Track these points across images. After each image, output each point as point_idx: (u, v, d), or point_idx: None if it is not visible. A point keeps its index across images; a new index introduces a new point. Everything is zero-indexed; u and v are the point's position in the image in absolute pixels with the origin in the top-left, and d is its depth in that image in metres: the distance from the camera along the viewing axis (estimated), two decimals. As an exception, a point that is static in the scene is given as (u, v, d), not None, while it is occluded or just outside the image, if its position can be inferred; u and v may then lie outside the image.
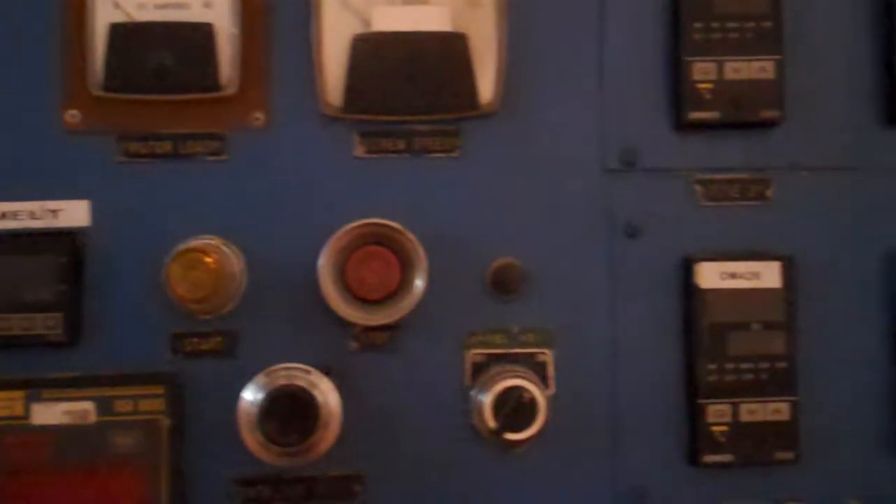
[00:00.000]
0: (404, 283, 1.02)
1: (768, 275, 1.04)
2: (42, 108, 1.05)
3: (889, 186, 1.07)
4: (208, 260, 0.99)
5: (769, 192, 1.07)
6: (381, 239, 1.02)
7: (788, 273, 1.04)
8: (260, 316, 1.05)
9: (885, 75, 1.07)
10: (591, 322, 1.06)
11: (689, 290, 1.05)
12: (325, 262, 1.00)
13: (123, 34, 1.04)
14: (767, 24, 1.04)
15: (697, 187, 1.07)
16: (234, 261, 1.03)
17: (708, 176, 1.07)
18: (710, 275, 1.04)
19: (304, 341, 1.04)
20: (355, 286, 1.01)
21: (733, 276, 1.04)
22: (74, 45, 1.05)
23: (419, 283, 1.00)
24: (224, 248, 1.02)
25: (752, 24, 1.04)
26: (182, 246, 1.00)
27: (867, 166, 1.08)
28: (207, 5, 1.05)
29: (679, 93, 1.05)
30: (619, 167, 1.07)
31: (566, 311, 1.06)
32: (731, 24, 1.04)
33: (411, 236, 1.00)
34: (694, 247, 1.06)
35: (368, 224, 1.00)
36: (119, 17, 1.04)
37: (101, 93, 1.04)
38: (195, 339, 1.05)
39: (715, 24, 1.04)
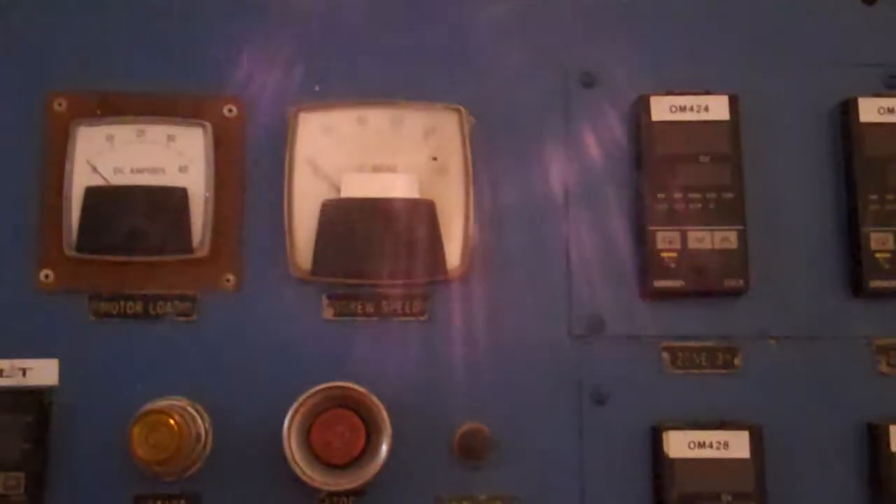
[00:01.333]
0: (370, 448, 1.01)
1: (737, 444, 1.03)
2: (16, 268, 1.07)
3: (855, 356, 1.07)
4: (171, 422, 0.98)
5: (737, 361, 1.07)
6: (347, 402, 1.01)
7: (757, 443, 1.03)
8: (224, 478, 1.04)
9: (849, 246, 1.08)
10: (560, 490, 1.05)
11: (658, 459, 1.03)
12: (289, 426, 0.99)
13: (99, 197, 1.06)
14: (729, 195, 1.06)
15: (665, 354, 1.07)
16: (199, 422, 1.02)
17: (675, 343, 1.07)
18: (678, 444, 1.03)
19: (268, 506, 1.03)
20: (320, 450, 1.00)
21: (702, 445, 1.03)
22: (50, 207, 1.07)
23: (384, 448, 1.00)
24: (189, 409, 1.02)
25: (713, 195, 1.06)
26: (146, 407, 1.00)
27: (834, 336, 1.07)
28: (183, 170, 1.08)
29: (644, 261, 1.06)
30: (586, 334, 1.07)
31: (534, 479, 1.05)
32: (693, 195, 1.06)
33: (376, 400, 1.00)
34: (662, 415, 1.06)
35: (333, 387, 1.00)
36: (96, 181, 1.07)
37: (74, 254, 1.06)
38: (158, 502, 1.04)
39: (678, 195, 1.06)
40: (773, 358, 1.07)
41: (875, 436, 1.05)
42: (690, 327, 1.08)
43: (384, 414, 1.00)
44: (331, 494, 1.03)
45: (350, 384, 1.00)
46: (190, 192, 1.07)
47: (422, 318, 1.07)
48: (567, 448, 1.05)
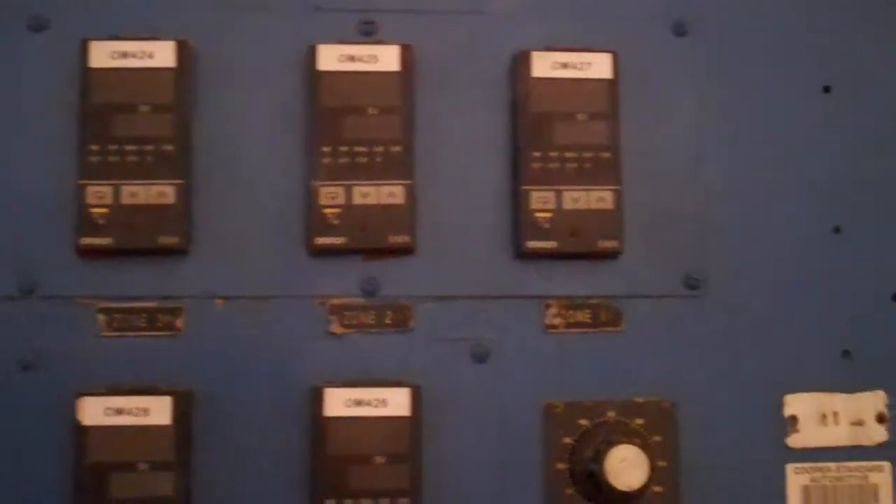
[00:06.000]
0: None
1: (158, 411, 0.98)
2: None
3: (308, 317, 1.03)
4: None
5: (179, 323, 1.02)
6: None
7: (181, 409, 0.98)
8: None
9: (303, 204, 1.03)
10: (-22, 460, 0.99)
11: (75, 427, 0.97)
12: None
13: None
14: (169, 147, 1.00)
15: (101, 317, 1.01)
16: None
17: (112, 305, 1.01)
18: (95, 411, 0.97)
19: None
20: None
21: (120, 412, 0.97)
22: None
23: None
24: None
25: (151, 147, 1.00)
26: None
27: (286, 295, 1.03)
28: None
29: (76, 216, 1.00)
30: (16, 294, 1.01)
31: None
32: (129, 147, 1.00)
33: None
34: (93, 381, 1.00)
35: None
36: None
37: None
38: None
39: (113, 147, 1.00)
40: (219, 319, 1.02)
41: (314, 399, 1.00)
42: (128, 288, 1.02)
43: None
44: None
45: None
46: None
47: None
48: (-13, 418, 0.99)
